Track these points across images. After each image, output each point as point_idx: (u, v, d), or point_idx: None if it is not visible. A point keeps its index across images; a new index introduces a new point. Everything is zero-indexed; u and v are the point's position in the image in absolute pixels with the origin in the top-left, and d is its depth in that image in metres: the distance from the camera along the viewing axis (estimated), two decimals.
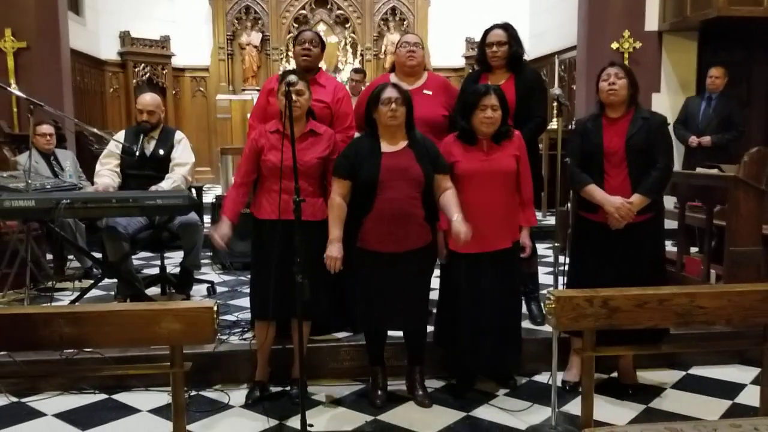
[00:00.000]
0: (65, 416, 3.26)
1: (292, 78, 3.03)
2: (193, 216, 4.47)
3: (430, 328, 3.52)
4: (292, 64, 10.82)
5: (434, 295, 3.59)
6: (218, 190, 7.59)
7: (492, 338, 3.34)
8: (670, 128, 6.62)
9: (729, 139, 6.17)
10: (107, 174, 4.41)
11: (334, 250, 3.13)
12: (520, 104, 3.72)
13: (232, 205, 3.42)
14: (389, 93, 3.19)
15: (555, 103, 3.42)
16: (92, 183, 5.57)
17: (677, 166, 6.46)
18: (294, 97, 3.19)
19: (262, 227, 3.36)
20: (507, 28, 3.83)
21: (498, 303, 3.33)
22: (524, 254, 3.41)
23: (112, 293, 4.75)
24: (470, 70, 10.94)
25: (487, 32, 3.85)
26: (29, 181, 4.38)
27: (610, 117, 3.37)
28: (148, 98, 4.59)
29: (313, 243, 3.17)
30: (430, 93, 3.80)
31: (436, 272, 3.48)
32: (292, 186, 3.11)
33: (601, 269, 3.32)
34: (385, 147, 3.20)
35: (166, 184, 4.33)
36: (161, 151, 4.49)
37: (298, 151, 3.16)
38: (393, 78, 3.90)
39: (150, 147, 4.52)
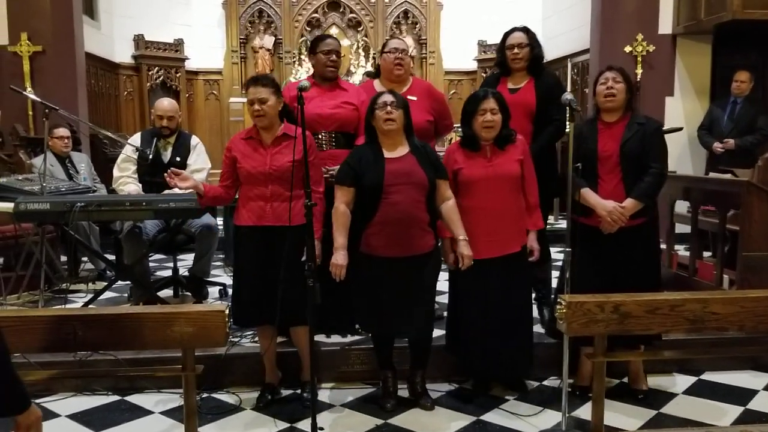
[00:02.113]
0: (78, 417, 3.29)
1: (305, 83, 3.04)
2: (213, 220, 4.50)
3: (436, 333, 3.52)
4: (304, 68, 10.89)
5: (441, 299, 3.58)
6: None
7: (503, 343, 3.34)
8: (685, 134, 6.69)
9: (753, 143, 6.11)
10: (132, 181, 4.45)
11: (339, 258, 3.13)
12: (540, 107, 3.72)
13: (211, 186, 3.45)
14: (384, 97, 3.21)
15: (567, 108, 3.41)
16: (107, 187, 5.63)
17: (701, 172, 6.44)
18: (257, 106, 3.22)
19: (241, 233, 3.35)
20: (527, 30, 3.83)
21: (508, 307, 3.33)
22: (533, 258, 3.40)
23: (126, 295, 4.79)
24: (483, 74, 10.98)
25: (507, 35, 3.84)
26: (44, 184, 4.43)
27: (605, 121, 3.37)
28: (167, 104, 4.62)
29: (293, 248, 3.11)
30: (415, 98, 3.77)
31: (444, 276, 3.47)
32: (268, 192, 3.20)
33: (595, 273, 3.31)
34: (388, 153, 3.21)
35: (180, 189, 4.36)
36: (178, 158, 4.52)
37: (270, 156, 3.22)
38: (377, 84, 3.91)
39: (167, 154, 4.55)
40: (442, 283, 3.57)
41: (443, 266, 3.43)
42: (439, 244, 3.37)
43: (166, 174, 3.39)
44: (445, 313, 3.59)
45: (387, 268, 3.17)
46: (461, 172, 3.29)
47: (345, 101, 3.71)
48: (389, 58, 3.83)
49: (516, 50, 3.76)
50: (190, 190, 3.50)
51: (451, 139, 6.68)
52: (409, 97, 3.75)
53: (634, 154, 3.27)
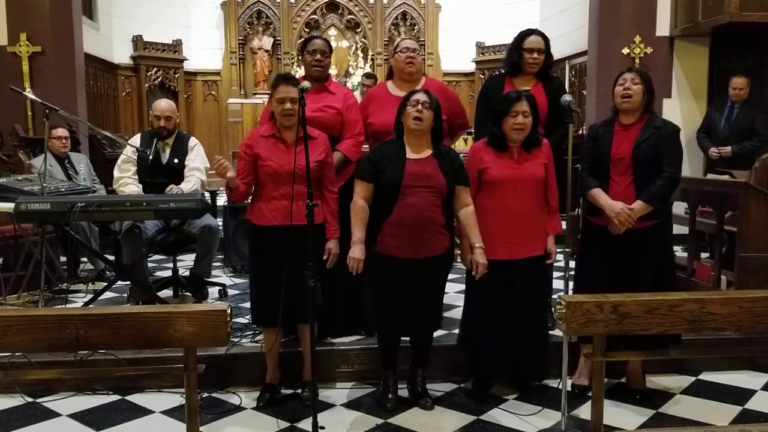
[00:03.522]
0: (79, 417, 3.30)
1: (306, 84, 3.06)
2: (214, 221, 4.51)
3: (438, 332, 3.53)
4: (303, 69, 10.90)
5: (446, 299, 3.59)
6: None
7: (523, 345, 3.36)
8: (682, 136, 6.69)
9: (750, 149, 6.10)
10: (132, 182, 4.46)
11: (357, 252, 3.14)
12: (550, 110, 3.73)
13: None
14: (418, 96, 3.20)
15: (567, 110, 3.43)
16: (107, 187, 5.64)
17: (698, 174, 6.46)
18: (289, 105, 3.22)
19: (263, 234, 3.36)
20: (543, 35, 3.85)
21: (528, 310, 3.35)
22: (549, 261, 3.42)
23: (125, 295, 4.79)
24: (481, 75, 11.02)
25: (524, 37, 3.84)
26: (44, 185, 4.43)
27: (623, 123, 3.38)
28: (165, 104, 4.62)
29: (314, 246, 3.15)
30: None
31: (454, 276, 3.48)
32: (297, 191, 3.16)
33: (605, 273, 3.33)
34: (410, 154, 3.21)
35: (186, 186, 4.39)
36: (176, 160, 4.53)
37: (298, 155, 3.20)
38: (390, 85, 3.92)
39: (165, 155, 4.56)
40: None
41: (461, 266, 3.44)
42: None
43: (216, 158, 3.37)
44: (446, 314, 3.60)
45: (400, 268, 3.18)
46: (488, 171, 3.29)
47: (327, 105, 3.71)
48: (401, 58, 3.85)
49: (536, 55, 3.77)
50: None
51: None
52: None
53: (647, 156, 3.28)
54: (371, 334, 3.82)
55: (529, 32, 3.86)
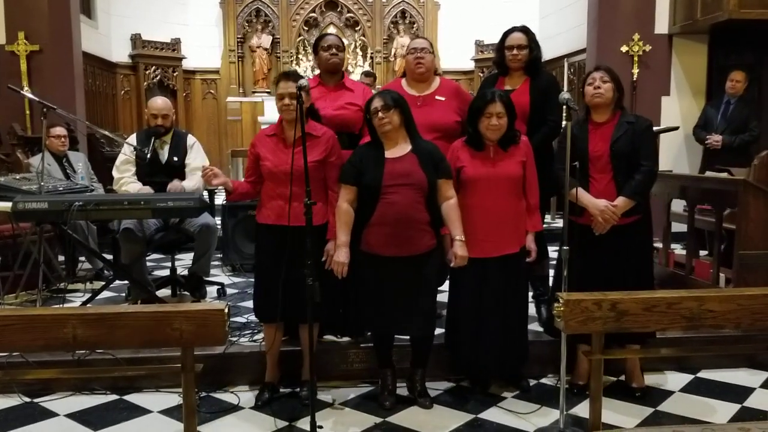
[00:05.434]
0: (77, 416, 3.29)
1: (304, 82, 3.04)
2: (212, 220, 4.51)
3: (437, 332, 3.53)
4: (302, 67, 10.89)
5: (441, 297, 3.59)
6: None
7: (497, 342, 3.35)
8: (681, 133, 6.71)
9: (742, 141, 6.10)
10: (133, 181, 4.45)
11: (341, 255, 3.15)
12: (534, 108, 3.72)
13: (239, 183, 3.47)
14: (374, 103, 3.23)
15: (564, 108, 3.43)
16: (105, 186, 5.63)
17: (697, 171, 6.46)
18: (287, 100, 3.23)
19: (261, 231, 3.39)
20: (527, 31, 3.83)
21: (504, 307, 3.34)
22: (530, 258, 3.40)
23: (123, 294, 4.79)
24: (480, 74, 11.01)
25: (506, 35, 3.83)
26: (42, 184, 4.42)
27: (595, 121, 3.38)
28: (161, 102, 4.60)
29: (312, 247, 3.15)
30: (443, 99, 3.79)
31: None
32: (293, 191, 3.15)
33: (588, 272, 3.30)
34: (389, 153, 3.22)
35: (188, 184, 4.39)
36: (175, 158, 4.52)
37: (294, 155, 3.19)
38: (404, 83, 3.91)
39: (164, 153, 4.54)
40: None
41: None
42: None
43: (204, 167, 3.38)
44: (445, 311, 3.60)
45: (386, 267, 3.19)
46: (464, 170, 3.30)
47: (349, 102, 3.71)
48: (410, 59, 3.84)
49: (515, 51, 3.76)
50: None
51: None
52: (437, 98, 3.77)
53: (624, 152, 3.29)
54: (360, 334, 3.80)
55: (511, 30, 3.86)
